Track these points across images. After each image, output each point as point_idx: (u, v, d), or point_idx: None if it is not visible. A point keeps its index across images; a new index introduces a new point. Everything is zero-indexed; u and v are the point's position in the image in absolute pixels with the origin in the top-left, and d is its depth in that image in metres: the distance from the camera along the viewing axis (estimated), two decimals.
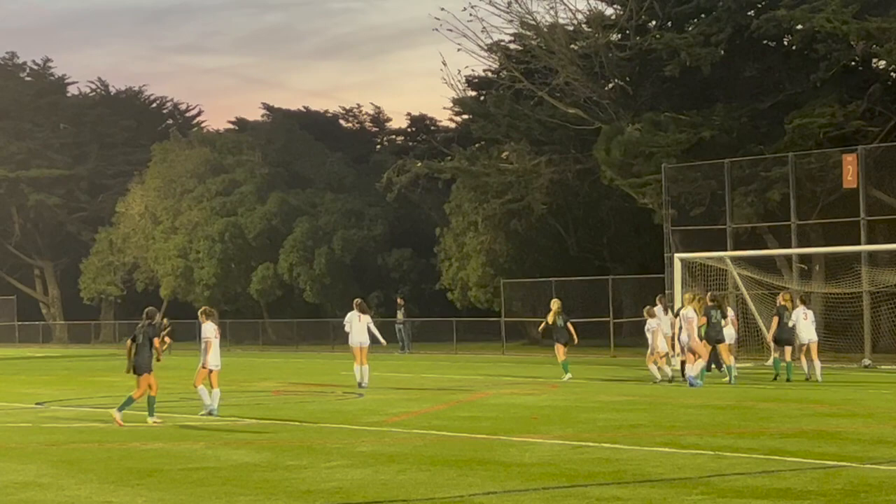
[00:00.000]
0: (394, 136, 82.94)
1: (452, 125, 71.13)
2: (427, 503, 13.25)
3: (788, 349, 32.76)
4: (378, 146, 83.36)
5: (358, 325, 31.81)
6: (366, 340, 31.68)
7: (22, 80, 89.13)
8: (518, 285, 59.00)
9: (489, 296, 60.79)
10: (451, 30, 55.45)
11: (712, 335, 32.03)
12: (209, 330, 24.35)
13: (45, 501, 13.70)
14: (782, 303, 33.52)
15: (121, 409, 22.41)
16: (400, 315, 59.16)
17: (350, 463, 16.40)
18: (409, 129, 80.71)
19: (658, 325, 32.31)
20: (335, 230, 69.36)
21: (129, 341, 22.79)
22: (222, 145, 79.61)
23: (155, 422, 22.32)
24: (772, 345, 34.01)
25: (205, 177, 76.31)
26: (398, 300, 60.85)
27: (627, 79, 54.65)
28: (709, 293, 34.69)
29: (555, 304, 34.58)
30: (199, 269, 73.03)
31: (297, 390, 30.59)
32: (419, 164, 64.38)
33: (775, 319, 33.18)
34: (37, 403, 27.14)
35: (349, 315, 32.33)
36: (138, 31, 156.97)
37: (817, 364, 32.42)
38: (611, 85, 55.38)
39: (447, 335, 59.37)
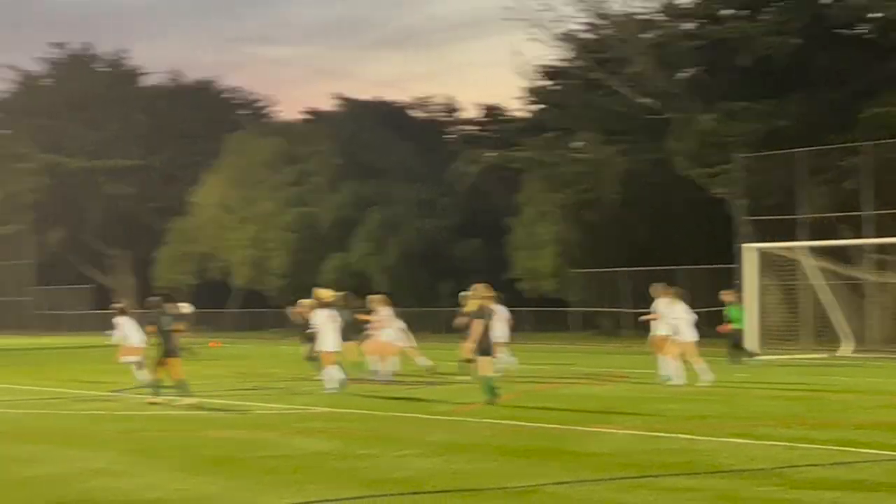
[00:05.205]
0: (465, 127, 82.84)
1: (524, 115, 70.96)
2: (497, 493, 13.22)
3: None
4: (449, 136, 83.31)
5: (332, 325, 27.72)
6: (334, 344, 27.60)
7: (97, 72, 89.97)
8: (588, 275, 58.78)
9: (559, 286, 60.60)
10: (522, 19, 55.43)
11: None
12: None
13: (118, 489, 13.80)
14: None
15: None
16: None
17: (420, 452, 16.40)
18: (480, 119, 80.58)
19: None
20: (407, 220, 69.40)
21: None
22: (295, 135, 79.87)
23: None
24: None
25: (277, 167, 76.60)
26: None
27: (701, 68, 54.32)
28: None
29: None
30: (272, 259, 73.35)
31: (368, 379, 30.62)
32: (490, 155, 64.30)
33: None
34: (112, 391, 27.38)
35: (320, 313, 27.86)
36: (210, 22, 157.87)
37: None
38: (684, 74, 55.09)
39: (518, 325, 59.21)
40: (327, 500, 12.88)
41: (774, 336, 44.79)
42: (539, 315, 62.68)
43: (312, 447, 17.19)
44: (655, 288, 30.07)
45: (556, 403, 23.73)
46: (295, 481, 14.06)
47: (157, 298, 26.35)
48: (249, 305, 77.75)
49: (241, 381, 31.18)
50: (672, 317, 28.34)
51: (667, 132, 52.80)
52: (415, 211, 70.04)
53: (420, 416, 21.46)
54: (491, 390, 23.44)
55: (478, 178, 65.02)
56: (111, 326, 30.40)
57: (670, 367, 28.15)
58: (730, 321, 37.13)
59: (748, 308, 39.64)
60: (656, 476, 14.14)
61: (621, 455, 15.92)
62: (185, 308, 25.31)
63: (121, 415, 22.61)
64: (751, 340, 39.25)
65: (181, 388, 24.63)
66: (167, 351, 24.89)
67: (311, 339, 29.63)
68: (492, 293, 25.41)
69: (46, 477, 14.67)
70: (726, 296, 37.67)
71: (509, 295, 64.11)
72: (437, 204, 70.95)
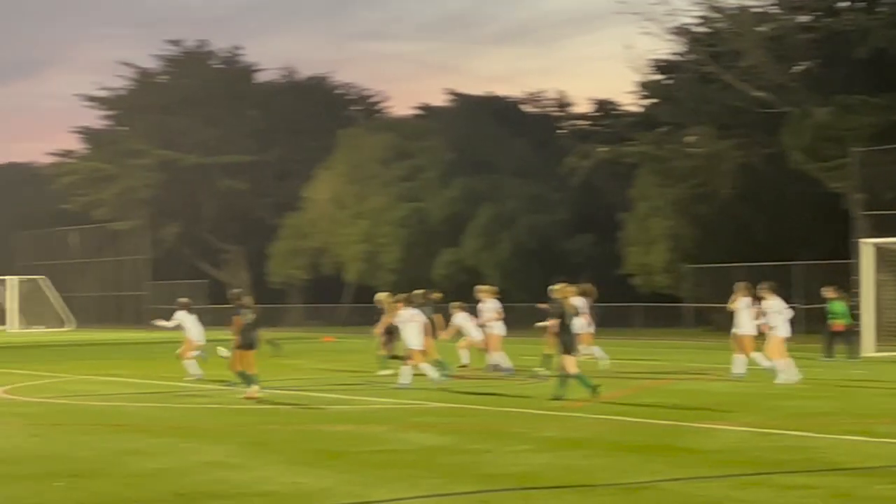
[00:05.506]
0: (577, 121, 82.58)
1: (636, 109, 70.61)
2: (611, 489, 13.19)
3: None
4: (561, 131, 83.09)
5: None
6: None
7: (212, 68, 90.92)
8: (701, 271, 58.31)
9: (672, 281, 60.20)
10: (635, 13, 55.17)
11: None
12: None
13: (234, 481, 13.95)
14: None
15: None
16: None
17: (533, 448, 16.40)
18: (592, 114, 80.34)
19: None
20: (519, 215, 69.34)
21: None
22: (407, 131, 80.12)
23: None
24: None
25: (389, 162, 76.89)
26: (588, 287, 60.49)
27: (817, 61, 53.67)
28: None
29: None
30: (384, 254, 73.66)
31: (479, 375, 30.68)
32: (603, 149, 64.04)
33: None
34: (225, 384, 27.64)
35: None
36: (323, 18, 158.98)
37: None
38: (799, 67, 54.46)
39: (630, 321, 58.93)
40: (441, 495, 12.92)
41: (891, 332, 44.08)
42: (651, 311, 62.33)
43: (425, 442, 17.26)
44: (738, 286, 29.76)
45: (668, 399, 23.59)
46: (408, 475, 14.12)
47: (237, 291, 26.69)
48: (362, 300, 78.12)
49: (353, 376, 31.36)
50: (763, 312, 27.99)
51: (782, 126, 52.24)
52: (527, 206, 69.94)
53: (531, 411, 21.44)
54: (589, 387, 23.29)
55: (590, 172, 64.77)
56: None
57: (772, 364, 27.84)
58: (834, 317, 36.69)
59: (864, 304, 39.10)
60: (771, 473, 14.01)
61: (736, 452, 15.81)
62: (249, 301, 25.56)
63: (235, 408, 22.85)
64: (867, 337, 38.77)
65: (248, 379, 24.84)
66: (246, 344, 25.06)
67: (390, 332, 29.83)
68: (575, 291, 25.41)
69: (166, 469, 14.86)
70: (828, 292, 37.25)
71: (622, 290, 64.15)
72: (549, 199, 70.80)
